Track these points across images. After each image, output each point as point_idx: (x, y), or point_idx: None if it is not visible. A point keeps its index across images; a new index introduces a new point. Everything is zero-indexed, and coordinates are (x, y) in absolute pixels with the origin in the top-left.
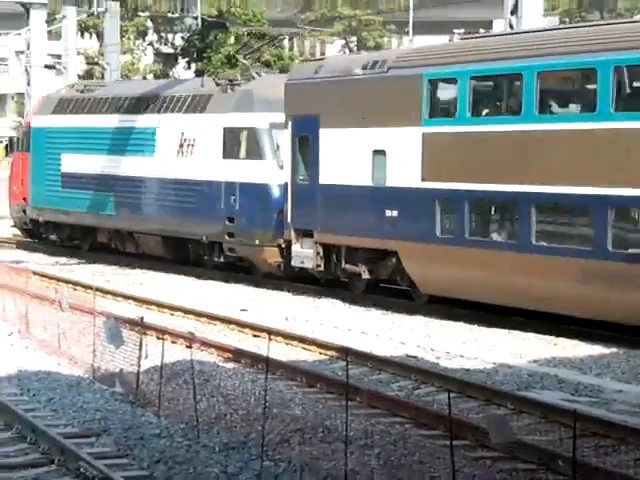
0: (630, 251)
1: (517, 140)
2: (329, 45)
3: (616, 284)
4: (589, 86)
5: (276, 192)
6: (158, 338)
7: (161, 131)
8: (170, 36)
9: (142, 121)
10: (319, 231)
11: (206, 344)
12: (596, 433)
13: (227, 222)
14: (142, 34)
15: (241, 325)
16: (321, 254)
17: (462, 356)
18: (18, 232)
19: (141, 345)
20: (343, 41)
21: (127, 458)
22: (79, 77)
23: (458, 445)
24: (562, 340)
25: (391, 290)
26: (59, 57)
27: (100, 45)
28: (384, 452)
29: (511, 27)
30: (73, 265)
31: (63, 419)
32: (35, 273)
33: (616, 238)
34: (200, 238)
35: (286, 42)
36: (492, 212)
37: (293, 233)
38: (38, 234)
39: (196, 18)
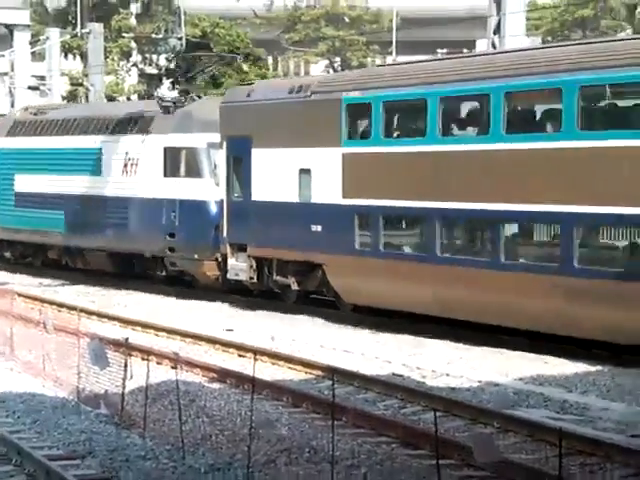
0: (521, 261)
1: (424, 160)
2: (313, 65)
3: (509, 292)
4: (483, 111)
5: (214, 208)
6: (143, 359)
7: (107, 151)
8: (154, 57)
9: (89, 142)
10: (252, 245)
11: (191, 364)
12: (582, 451)
13: (168, 237)
14: (126, 55)
15: (226, 345)
16: (254, 267)
17: (448, 375)
18: None
19: (126, 366)
20: (327, 61)
21: None
22: (63, 98)
23: (444, 464)
24: (548, 358)
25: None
26: (43, 78)
27: (84, 66)
28: (371, 472)
29: (494, 47)
30: (57, 286)
31: (48, 441)
32: (19, 294)
33: (508, 250)
34: (144, 253)
35: (270, 62)
36: (403, 226)
37: (229, 247)
38: None
39: (180, 39)
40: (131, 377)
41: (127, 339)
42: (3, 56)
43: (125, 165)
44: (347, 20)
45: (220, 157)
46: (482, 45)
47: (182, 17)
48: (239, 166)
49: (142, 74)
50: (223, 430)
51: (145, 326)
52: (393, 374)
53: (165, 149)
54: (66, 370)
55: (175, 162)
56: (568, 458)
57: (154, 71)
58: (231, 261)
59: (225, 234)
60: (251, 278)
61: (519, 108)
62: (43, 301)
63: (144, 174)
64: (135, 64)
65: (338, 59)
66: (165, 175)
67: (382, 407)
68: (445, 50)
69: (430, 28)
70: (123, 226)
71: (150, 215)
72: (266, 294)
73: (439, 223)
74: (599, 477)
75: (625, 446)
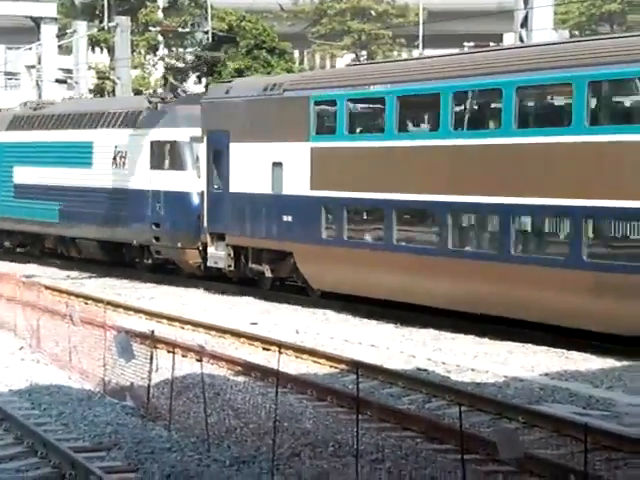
0: (467, 249)
1: (382, 154)
2: (339, 59)
3: (454, 277)
4: (435, 109)
5: (196, 200)
6: (168, 352)
7: (98, 144)
8: (181, 51)
9: (82, 135)
10: (230, 235)
11: (216, 357)
12: (607, 447)
13: (154, 227)
14: (153, 49)
15: (251, 338)
16: (232, 255)
17: (473, 370)
18: None
19: (152, 359)
20: (353, 55)
21: (138, 472)
22: (90, 91)
23: (469, 459)
24: (574, 353)
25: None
26: (70, 71)
27: (111, 59)
28: (395, 466)
29: (521, 40)
30: (84, 279)
31: (74, 433)
32: (46, 287)
33: (455, 238)
34: (131, 242)
35: (296, 55)
36: (364, 217)
37: (208, 237)
38: None
39: (207, 32)
40: (157, 370)
41: (153, 332)
42: (30, 49)
43: (114, 158)
44: (373, 14)
45: (202, 151)
46: (509, 39)
47: (209, 11)
48: (218, 159)
49: (168, 68)
50: (248, 423)
51: (171, 319)
52: (418, 369)
53: (152, 142)
54: (92, 362)
55: (160, 155)
56: (593, 453)
57: (180, 65)
58: (211, 250)
59: (205, 224)
60: (229, 266)
61: (463, 107)
62: (70, 294)
63: (132, 166)
64: (162, 58)
65: (364, 53)
66: (151, 167)
67: (407, 401)
68: (472, 43)
69: (457, 21)
70: (112, 216)
71: (137, 206)
72: (243, 281)
73: (395, 214)
74: (625, 473)
75: None
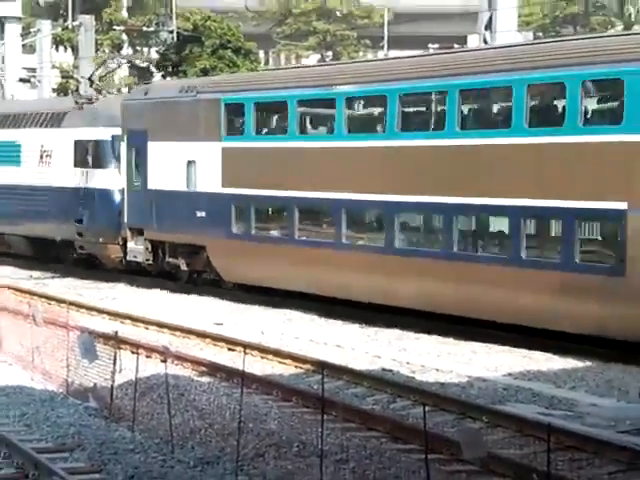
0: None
1: (285, 155)
2: (304, 59)
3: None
4: (332, 113)
5: (117, 196)
6: (132, 352)
7: (26, 144)
8: (145, 50)
9: (12, 135)
10: (148, 230)
11: (181, 358)
12: (570, 447)
13: (77, 223)
14: (117, 47)
15: (216, 339)
16: (150, 249)
17: (437, 370)
18: None
19: (115, 359)
20: (318, 55)
21: (101, 473)
22: (53, 90)
23: (433, 459)
24: (537, 354)
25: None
26: (34, 70)
27: (75, 58)
28: (359, 466)
29: (485, 42)
30: (47, 279)
31: (37, 434)
32: (9, 287)
33: (349, 233)
34: (56, 238)
35: (262, 56)
36: (270, 213)
37: (128, 232)
38: None
39: (171, 32)
40: (120, 370)
41: (116, 332)
42: None
43: (41, 156)
44: (338, 14)
45: (122, 149)
46: (473, 41)
47: (173, 10)
48: (137, 157)
49: (133, 67)
50: (212, 424)
51: (135, 320)
52: (383, 369)
53: (75, 142)
54: (55, 363)
55: (83, 154)
56: (556, 453)
57: (145, 64)
58: (130, 244)
59: (125, 219)
60: (147, 260)
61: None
62: (32, 294)
63: (57, 165)
64: (126, 57)
65: (330, 53)
66: (75, 166)
67: (371, 402)
68: (437, 45)
69: (422, 23)
70: (38, 213)
71: (61, 203)
72: (162, 274)
73: (297, 210)
74: (587, 472)
75: (613, 442)
